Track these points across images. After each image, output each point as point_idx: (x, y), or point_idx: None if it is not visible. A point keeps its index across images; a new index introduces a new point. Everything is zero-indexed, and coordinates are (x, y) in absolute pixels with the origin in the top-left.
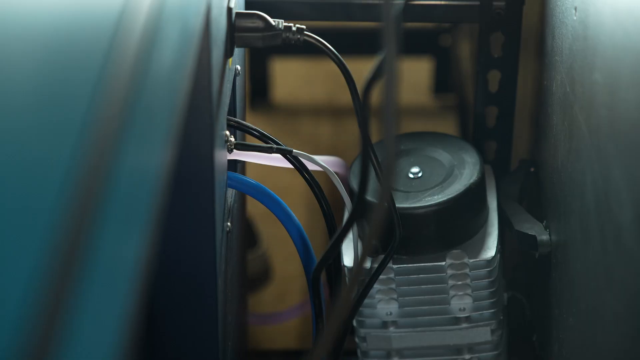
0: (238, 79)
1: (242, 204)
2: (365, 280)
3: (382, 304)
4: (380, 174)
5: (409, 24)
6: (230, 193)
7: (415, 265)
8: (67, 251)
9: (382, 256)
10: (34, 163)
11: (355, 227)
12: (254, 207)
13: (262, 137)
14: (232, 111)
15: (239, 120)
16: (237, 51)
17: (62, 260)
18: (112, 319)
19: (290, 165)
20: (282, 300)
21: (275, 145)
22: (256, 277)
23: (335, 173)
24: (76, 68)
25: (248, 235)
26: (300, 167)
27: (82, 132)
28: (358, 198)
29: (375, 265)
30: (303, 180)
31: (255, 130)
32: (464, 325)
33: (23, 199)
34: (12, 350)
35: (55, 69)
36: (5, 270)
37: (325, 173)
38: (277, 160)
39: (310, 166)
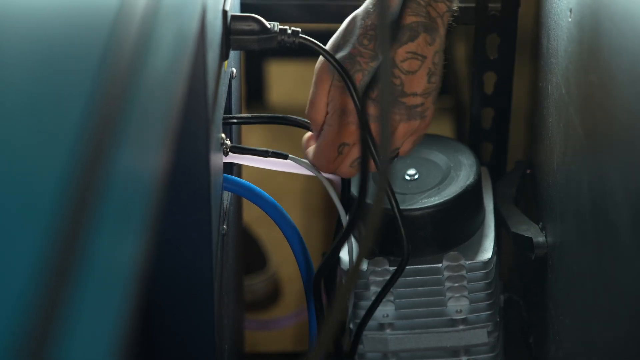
0: (234, 81)
1: (238, 206)
2: (361, 282)
3: (379, 306)
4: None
5: None
6: (226, 196)
7: (412, 267)
8: (63, 254)
9: (379, 258)
10: (29, 166)
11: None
12: (250, 210)
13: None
14: (228, 114)
15: (237, 115)
16: (233, 54)
17: (58, 264)
18: (108, 321)
19: (285, 169)
20: (279, 300)
21: (271, 150)
22: (266, 298)
23: (330, 179)
24: (71, 71)
25: (257, 257)
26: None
27: (77, 135)
28: (359, 201)
29: (375, 268)
30: (299, 182)
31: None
32: (461, 327)
33: (18, 201)
34: (9, 352)
35: (50, 72)
36: (1, 272)
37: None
38: (273, 163)
39: (305, 171)
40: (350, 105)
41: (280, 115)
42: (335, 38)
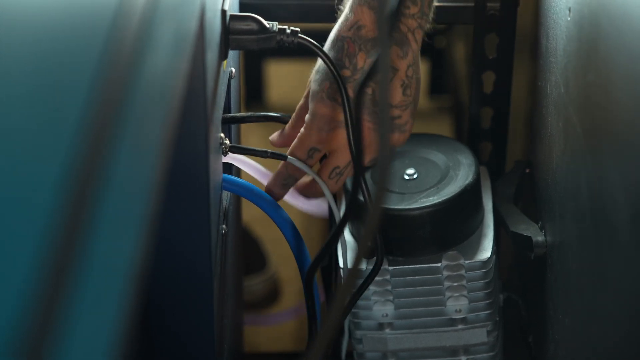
0: (233, 81)
1: (238, 206)
2: (360, 281)
3: (378, 306)
4: (375, 176)
5: None
6: (226, 195)
7: (411, 266)
8: (62, 253)
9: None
10: (28, 165)
11: (349, 229)
12: (250, 210)
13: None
14: (226, 114)
15: (235, 115)
16: (232, 54)
17: (57, 263)
18: (107, 321)
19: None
20: (278, 301)
21: (270, 150)
22: (264, 299)
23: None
24: (69, 71)
25: (256, 258)
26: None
27: (75, 134)
28: (351, 199)
29: (371, 267)
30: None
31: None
32: (460, 326)
33: (17, 201)
34: (8, 352)
35: (48, 71)
36: (0, 272)
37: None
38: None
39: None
40: (322, 111)
41: (274, 114)
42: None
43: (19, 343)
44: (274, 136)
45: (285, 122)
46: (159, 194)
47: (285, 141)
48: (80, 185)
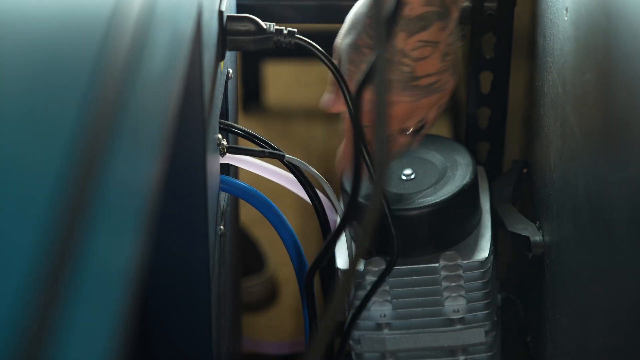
0: (230, 82)
1: (235, 207)
2: (358, 283)
3: (376, 306)
4: (373, 175)
5: None
6: (223, 196)
7: (408, 267)
8: (59, 255)
9: (376, 258)
10: (25, 167)
11: (347, 230)
12: (249, 211)
13: (255, 139)
14: (224, 115)
15: (231, 124)
16: (229, 54)
17: (54, 265)
18: (104, 323)
19: (281, 182)
20: (277, 302)
21: (267, 150)
22: (263, 300)
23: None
24: (66, 72)
25: (255, 259)
26: (294, 170)
27: (72, 136)
28: (351, 200)
29: (372, 268)
30: None
31: (248, 133)
32: (458, 326)
33: (15, 203)
34: (5, 353)
35: (44, 73)
36: None
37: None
38: (269, 172)
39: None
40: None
41: (275, 149)
42: (346, 23)
43: (17, 344)
44: (326, 100)
45: (283, 159)
46: (156, 195)
47: (338, 105)
48: (77, 187)
